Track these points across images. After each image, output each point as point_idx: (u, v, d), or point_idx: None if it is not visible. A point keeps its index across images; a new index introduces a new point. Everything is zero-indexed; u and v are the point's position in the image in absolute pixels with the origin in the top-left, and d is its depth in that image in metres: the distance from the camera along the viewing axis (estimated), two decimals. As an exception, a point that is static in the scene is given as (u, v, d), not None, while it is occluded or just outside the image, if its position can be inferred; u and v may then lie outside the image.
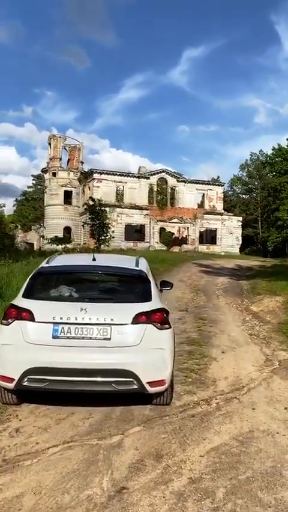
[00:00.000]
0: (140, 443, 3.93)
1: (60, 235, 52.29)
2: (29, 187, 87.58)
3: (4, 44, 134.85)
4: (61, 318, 4.32)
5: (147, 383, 4.37)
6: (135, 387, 4.34)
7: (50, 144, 58.05)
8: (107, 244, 32.99)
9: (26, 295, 4.72)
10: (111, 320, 4.35)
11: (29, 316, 4.37)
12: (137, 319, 4.41)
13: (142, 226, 51.10)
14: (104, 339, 4.32)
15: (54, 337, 4.30)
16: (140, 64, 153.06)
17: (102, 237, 32.23)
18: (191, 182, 55.12)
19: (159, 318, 4.54)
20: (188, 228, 52.14)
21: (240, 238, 54.84)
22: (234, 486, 3.20)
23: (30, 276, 5.04)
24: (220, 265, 23.09)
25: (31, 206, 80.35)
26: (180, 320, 9.84)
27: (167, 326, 4.62)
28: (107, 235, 32.74)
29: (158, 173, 53.93)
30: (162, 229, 51.92)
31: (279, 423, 4.37)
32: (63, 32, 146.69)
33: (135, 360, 4.33)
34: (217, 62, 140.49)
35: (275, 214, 55.38)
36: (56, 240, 40.81)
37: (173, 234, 52.49)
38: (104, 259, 5.71)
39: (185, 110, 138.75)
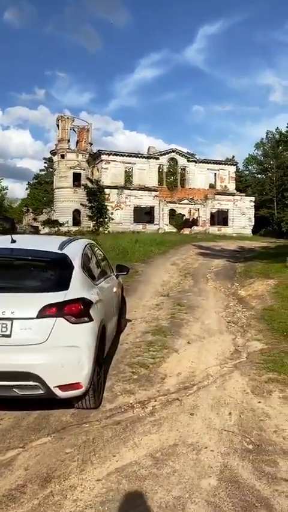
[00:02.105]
0: (35, 461, 3.28)
1: (70, 218, 51.73)
2: (41, 170, 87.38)
3: (15, 26, 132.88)
4: None
5: (57, 386, 3.70)
6: (42, 392, 3.68)
7: (58, 125, 56.99)
8: (106, 226, 32.13)
9: None
10: (12, 313, 3.67)
11: None
12: (44, 312, 3.71)
13: (151, 208, 50.04)
14: (3, 336, 3.65)
15: None
16: (154, 43, 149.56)
17: (101, 219, 31.39)
18: (202, 162, 53.54)
19: (74, 311, 3.83)
20: (198, 209, 50.84)
21: (252, 219, 53.25)
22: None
23: None
24: (221, 247, 22.12)
25: (43, 189, 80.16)
26: (156, 307, 9.14)
27: (85, 319, 3.91)
28: (106, 218, 31.84)
29: (167, 153, 52.49)
30: (172, 211, 50.82)
31: (213, 435, 3.66)
32: (74, 12, 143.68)
33: (40, 361, 3.66)
34: (234, 39, 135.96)
35: (284, 194, 53.46)
36: (48, 223, 40.19)
37: (184, 215, 51.36)
38: (26, 242, 4.99)
39: (200, 89, 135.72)
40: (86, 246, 5.06)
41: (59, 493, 2.86)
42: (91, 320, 3.96)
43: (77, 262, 4.33)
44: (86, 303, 3.96)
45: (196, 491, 2.85)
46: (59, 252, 4.33)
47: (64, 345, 3.75)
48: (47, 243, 5.01)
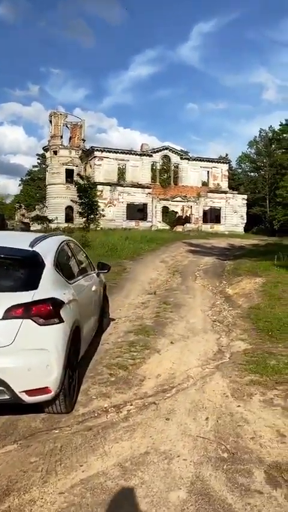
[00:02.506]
0: (-4, 471, 3.08)
1: (63, 214, 51.37)
2: (34, 166, 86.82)
3: (8, 21, 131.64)
4: None
5: (23, 391, 3.51)
6: (7, 397, 3.49)
7: (51, 122, 56.52)
8: (96, 223, 31.82)
9: None
10: None
11: None
12: (10, 312, 3.51)
13: (144, 205, 49.80)
14: None
15: None
16: (149, 40, 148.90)
17: (92, 216, 31.07)
18: (195, 159, 53.30)
19: (42, 311, 3.63)
20: (191, 206, 50.71)
21: (244, 216, 53.21)
22: None
23: None
24: (211, 244, 21.96)
25: (36, 186, 79.63)
26: (142, 305, 8.96)
27: (54, 320, 3.71)
28: (96, 214, 31.50)
29: (160, 150, 52.23)
30: (165, 208, 50.62)
31: (188, 442, 3.48)
32: (68, 8, 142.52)
33: (5, 364, 3.46)
34: (228, 37, 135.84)
35: (276, 192, 53.53)
36: (37, 219, 39.72)
37: (177, 213, 51.18)
38: None
39: (194, 87, 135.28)
40: (61, 243, 4.86)
41: (17, 508, 2.67)
42: (61, 321, 3.77)
43: (49, 260, 4.13)
44: (56, 304, 3.76)
45: (163, 505, 2.68)
46: (30, 249, 4.12)
47: (31, 348, 3.55)
48: (19, 240, 4.79)
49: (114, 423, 3.85)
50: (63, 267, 4.51)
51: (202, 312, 8.52)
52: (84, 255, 6.09)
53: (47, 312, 3.65)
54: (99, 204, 33.44)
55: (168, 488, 2.87)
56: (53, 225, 37.78)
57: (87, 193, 30.35)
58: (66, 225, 38.44)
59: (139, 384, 4.79)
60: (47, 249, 4.30)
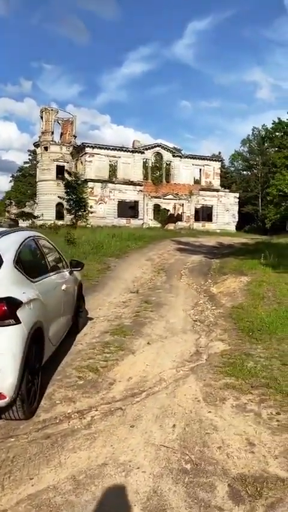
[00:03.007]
0: None
1: (53, 211, 50.91)
2: (25, 162, 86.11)
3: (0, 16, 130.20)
4: None
5: None
6: None
7: (42, 117, 56.01)
8: (84, 220, 31.44)
9: None
10: None
11: None
12: None
13: (136, 203, 49.52)
14: None
15: None
16: (143, 37, 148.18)
17: (80, 213, 30.67)
18: (187, 157, 53.16)
19: (-5, 312, 3.38)
20: (183, 204, 50.50)
21: (236, 215, 53.13)
22: None
23: None
24: (200, 242, 21.75)
25: (27, 182, 78.93)
26: (123, 304, 8.73)
27: (10, 321, 3.46)
28: (85, 211, 31.10)
29: (152, 147, 51.94)
30: (157, 206, 50.36)
31: (150, 452, 3.26)
32: (61, 3, 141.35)
33: None
34: (222, 35, 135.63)
35: (266, 190, 53.56)
36: (22, 215, 39.35)
37: (168, 211, 50.96)
38: None
39: (188, 85, 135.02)
40: (26, 239, 4.60)
41: None
42: (18, 322, 3.52)
43: (8, 257, 3.88)
44: (13, 304, 3.51)
45: (114, 524, 2.45)
46: None
47: None
48: None
49: (75, 430, 3.62)
50: (26, 264, 4.25)
51: (184, 311, 8.31)
52: (56, 252, 5.83)
53: (1, 312, 3.41)
54: (89, 200, 33.04)
55: (121, 504, 2.64)
56: (39, 222, 37.37)
57: (75, 189, 29.97)
58: (53, 221, 38.07)
59: (108, 388, 4.56)
60: (7, 245, 4.05)
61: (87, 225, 31.83)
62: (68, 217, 48.12)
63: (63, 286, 5.29)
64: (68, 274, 5.90)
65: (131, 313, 7.96)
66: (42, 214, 44.82)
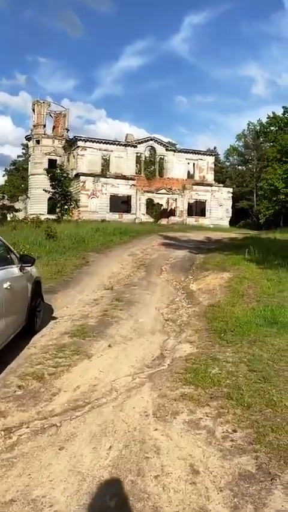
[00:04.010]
0: None
1: (45, 205, 50.15)
2: (18, 156, 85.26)
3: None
4: None
5: None
6: None
7: (34, 110, 55.16)
8: (70, 214, 30.75)
9: None
10: None
11: None
12: None
13: (128, 197, 48.88)
14: None
15: None
16: (139, 31, 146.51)
17: (66, 207, 29.95)
18: (181, 151, 52.52)
19: None
20: (176, 199, 49.92)
21: (230, 210, 52.59)
22: None
23: None
24: (188, 237, 21.21)
25: (21, 176, 78.14)
26: (93, 302, 8.20)
27: None
28: (71, 205, 30.38)
29: (145, 141, 51.24)
30: (150, 201, 49.75)
31: (72, 483, 2.75)
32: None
33: None
34: (219, 29, 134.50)
35: (258, 184, 53.06)
36: (3, 208, 38.60)
37: (162, 205, 50.37)
38: None
39: (185, 79, 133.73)
40: None
41: None
42: None
43: None
44: None
45: None
46: None
47: None
48: None
49: (-6, 453, 3.10)
50: None
51: (157, 309, 7.80)
52: (3, 248, 5.28)
53: None
54: (81, 195, 32.30)
55: None
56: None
57: (60, 182, 29.24)
58: (45, 216, 37.46)
59: (49, 400, 4.04)
60: None
61: (79, 219, 31.20)
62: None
63: (6, 284, 4.73)
64: (18, 270, 5.35)
65: (99, 312, 7.44)
66: (25, 208, 44.08)
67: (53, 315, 7.16)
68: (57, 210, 30.13)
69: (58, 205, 29.87)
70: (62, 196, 29.46)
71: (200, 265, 11.87)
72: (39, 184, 52.51)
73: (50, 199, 51.14)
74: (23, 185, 73.17)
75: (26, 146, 75.00)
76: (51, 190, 29.60)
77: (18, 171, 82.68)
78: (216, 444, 3.23)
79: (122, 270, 11.47)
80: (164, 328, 6.74)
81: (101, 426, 3.52)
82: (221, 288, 9.19)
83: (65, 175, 31.52)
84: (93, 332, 6.25)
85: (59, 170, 29.94)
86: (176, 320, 7.18)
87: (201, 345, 5.74)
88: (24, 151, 79.58)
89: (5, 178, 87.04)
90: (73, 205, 30.86)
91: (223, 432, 3.42)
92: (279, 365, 4.85)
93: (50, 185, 30.11)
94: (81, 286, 9.54)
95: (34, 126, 54.50)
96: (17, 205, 60.02)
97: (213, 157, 56.25)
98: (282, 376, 4.53)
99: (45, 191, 32.74)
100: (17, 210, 40.24)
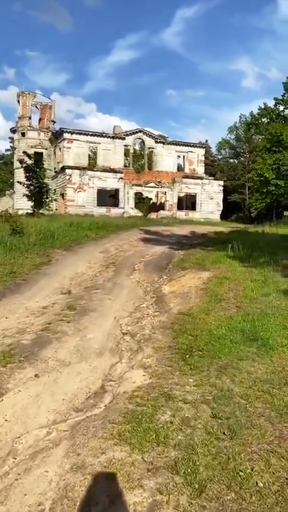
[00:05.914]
0: None
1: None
2: (6, 150, 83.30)
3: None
4: None
5: None
6: None
7: (19, 102, 53.30)
8: (47, 207, 29.11)
9: None
10: None
11: None
12: None
13: (116, 191, 47.33)
14: None
15: None
16: (130, 25, 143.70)
17: (42, 200, 28.34)
18: (171, 143, 50.84)
19: None
20: (165, 193, 48.38)
21: (221, 203, 51.15)
22: None
23: None
24: (171, 232, 19.75)
25: (8, 170, 76.31)
26: (41, 311, 6.82)
27: None
28: (47, 198, 28.76)
29: (134, 133, 49.52)
30: (139, 195, 48.22)
31: None
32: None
33: None
34: (210, 23, 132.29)
35: (247, 176, 51.66)
36: None
37: (151, 199, 48.87)
38: None
39: (176, 73, 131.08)
40: None
41: None
42: None
43: None
44: None
45: None
46: None
47: None
48: None
49: None
50: None
51: (115, 320, 6.44)
52: None
53: None
54: (67, 188, 30.55)
55: None
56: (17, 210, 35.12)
57: (35, 174, 27.62)
58: (31, 210, 35.84)
59: None
60: None
61: (66, 213, 29.61)
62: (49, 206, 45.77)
63: None
64: None
65: (41, 324, 6.06)
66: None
67: (-17, 329, 5.78)
68: (32, 203, 28.47)
69: (33, 198, 28.22)
70: (38, 189, 27.85)
71: (178, 263, 10.50)
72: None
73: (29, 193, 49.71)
74: (11, 180, 71.44)
75: (13, 140, 73.25)
76: (26, 182, 27.99)
77: (6, 165, 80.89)
78: None
79: (89, 269, 10.07)
80: (118, 345, 5.39)
81: None
82: (196, 290, 7.84)
83: (40, 166, 29.84)
84: (22, 354, 4.88)
85: (30, 161, 28.16)
86: (136, 333, 5.84)
87: (157, 373, 4.40)
88: (11, 144, 77.71)
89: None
90: (50, 199, 29.25)
91: None
92: (254, 407, 3.53)
93: (25, 177, 28.49)
94: (34, 290, 8.14)
95: (19, 118, 52.64)
96: (5, 200, 58.37)
97: (204, 150, 54.68)
98: (256, 427, 3.22)
99: (20, 183, 30.98)
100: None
